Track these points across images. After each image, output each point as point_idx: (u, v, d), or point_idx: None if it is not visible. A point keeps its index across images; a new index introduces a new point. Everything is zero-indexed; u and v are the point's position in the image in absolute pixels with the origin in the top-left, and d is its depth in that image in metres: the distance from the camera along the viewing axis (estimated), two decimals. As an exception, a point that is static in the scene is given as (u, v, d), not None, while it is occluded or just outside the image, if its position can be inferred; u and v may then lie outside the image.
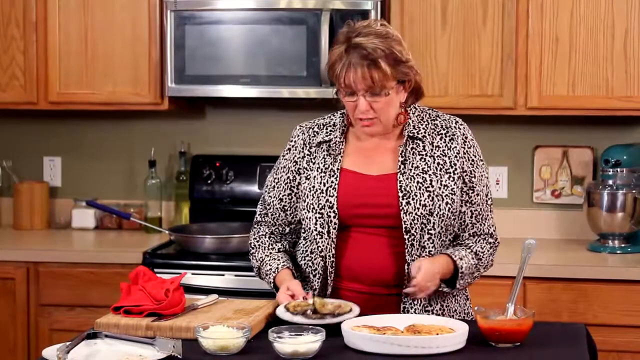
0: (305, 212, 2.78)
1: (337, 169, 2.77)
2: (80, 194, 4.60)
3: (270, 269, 2.83)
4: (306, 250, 2.82)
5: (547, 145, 4.34)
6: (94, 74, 4.24)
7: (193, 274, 3.82)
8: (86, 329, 2.49)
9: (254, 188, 4.38)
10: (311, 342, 2.34)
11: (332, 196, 2.74)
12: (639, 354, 3.70)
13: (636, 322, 3.67)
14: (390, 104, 2.70)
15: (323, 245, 2.74)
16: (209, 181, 4.43)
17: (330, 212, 2.73)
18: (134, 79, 4.22)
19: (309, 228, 2.77)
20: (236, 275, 3.84)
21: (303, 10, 4.02)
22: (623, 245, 4.03)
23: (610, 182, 4.02)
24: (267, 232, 2.92)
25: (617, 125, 4.25)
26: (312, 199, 2.76)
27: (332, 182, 2.75)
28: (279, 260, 2.85)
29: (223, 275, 3.85)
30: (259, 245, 2.91)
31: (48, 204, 4.60)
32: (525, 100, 3.99)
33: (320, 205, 2.74)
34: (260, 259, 2.88)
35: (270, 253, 2.88)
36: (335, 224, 2.73)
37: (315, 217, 2.74)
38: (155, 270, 3.57)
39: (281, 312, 2.61)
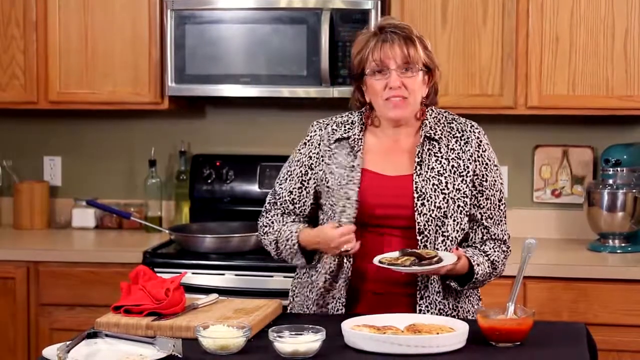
0: (330, 207, 2.77)
1: (358, 164, 2.77)
2: (80, 193, 4.59)
3: (291, 232, 2.79)
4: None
5: (547, 144, 4.33)
6: (94, 73, 4.24)
7: (193, 273, 3.82)
8: (86, 328, 2.48)
9: (254, 187, 4.38)
10: (311, 341, 2.34)
11: (351, 190, 2.74)
12: (639, 353, 3.70)
13: (636, 321, 3.67)
14: (419, 86, 2.73)
15: None
16: (209, 180, 4.43)
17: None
18: (134, 78, 4.21)
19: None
20: (236, 275, 3.84)
21: (303, 9, 4.02)
22: (623, 244, 4.02)
23: (611, 181, 4.01)
24: (279, 213, 2.88)
25: (617, 125, 4.25)
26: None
27: (352, 177, 2.75)
28: (298, 224, 2.82)
29: (223, 274, 3.85)
30: (273, 222, 2.87)
31: (48, 203, 4.60)
32: (526, 99, 3.99)
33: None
34: (277, 230, 2.83)
35: (286, 223, 2.84)
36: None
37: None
38: (156, 269, 3.56)
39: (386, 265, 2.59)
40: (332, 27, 3.96)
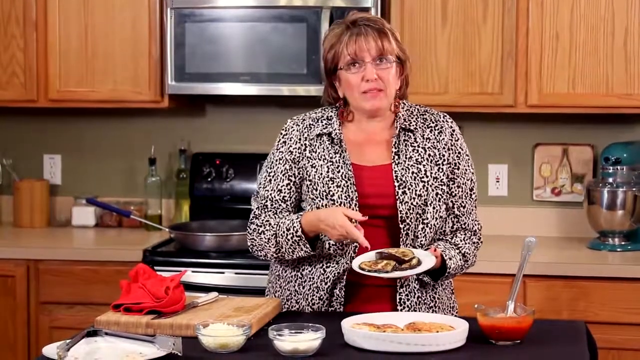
0: (320, 201, 2.77)
1: (347, 158, 2.77)
2: (80, 191, 4.60)
3: (292, 219, 2.74)
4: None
5: (547, 143, 4.33)
6: (94, 71, 4.24)
7: (193, 271, 3.82)
8: (86, 326, 2.49)
9: (254, 186, 4.37)
10: (311, 339, 2.34)
11: (349, 181, 2.74)
12: (639, 351, 3.70)
13: (636, 319, 3.67)
14: (394, 78, 2.76)
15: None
16: (209, 179, 4.43)
17: (352, 203, 2.73)
18: (134, 76, 4.21)
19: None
20: (236, 273, 3.84)
21: (303, 7, 4.02)
22: (623, 243, 4.03)
23: (610, 179, 4.01)
24: (271, 214, 2.82)
25: (617, 123, 4.25)
26: (324, 187, 2.76)
27: (345, 172, 2.76)
28: (297, 214, 2.78)
29: (223, 273, 3.85)
30: (269, 220, 2.80)
31: (48, 201, 4.60)
32: (526, 97, 3.99)
33: (337, 195, 2.74)
34: (276, 224, 2.77)
35: (284, 217, 2.79)
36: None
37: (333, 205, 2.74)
38: (156, 268, 3.57)
39: (368, 272, 2.60)
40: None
